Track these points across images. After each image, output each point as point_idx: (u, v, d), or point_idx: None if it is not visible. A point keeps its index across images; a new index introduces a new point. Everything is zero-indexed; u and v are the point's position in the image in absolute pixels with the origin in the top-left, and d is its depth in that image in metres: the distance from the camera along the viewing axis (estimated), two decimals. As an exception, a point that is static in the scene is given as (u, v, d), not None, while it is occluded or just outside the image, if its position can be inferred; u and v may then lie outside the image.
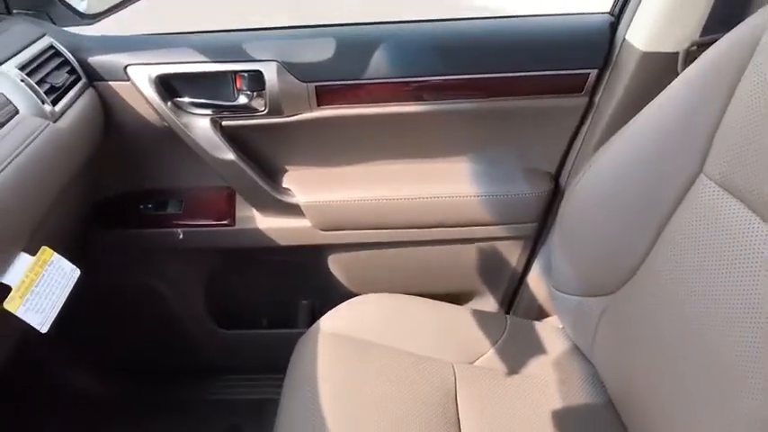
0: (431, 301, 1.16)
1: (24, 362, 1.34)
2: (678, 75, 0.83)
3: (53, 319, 0.74)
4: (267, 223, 1.15)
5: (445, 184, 1.12)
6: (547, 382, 1.05)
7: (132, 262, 1.22)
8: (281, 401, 1.01)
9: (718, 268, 0.76)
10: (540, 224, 1.16)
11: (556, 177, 1.13)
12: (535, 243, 1.19)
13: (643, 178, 0.88)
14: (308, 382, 1.00)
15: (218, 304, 1.37)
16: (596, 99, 0.99)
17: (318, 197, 1.12)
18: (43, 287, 0.74)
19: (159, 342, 1.41)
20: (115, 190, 1.14)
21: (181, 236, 1.13)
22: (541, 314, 1.23)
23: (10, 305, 0.69)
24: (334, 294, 1.32)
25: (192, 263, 1.24)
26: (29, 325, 0.71)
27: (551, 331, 1.15)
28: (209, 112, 1.01)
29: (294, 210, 1.13)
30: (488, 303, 1.32)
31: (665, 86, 0.83)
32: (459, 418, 0.98)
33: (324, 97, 0.99)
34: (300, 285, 1.36)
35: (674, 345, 0.82)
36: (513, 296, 1.26)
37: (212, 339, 1.40)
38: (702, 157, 0.81)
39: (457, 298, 1.34)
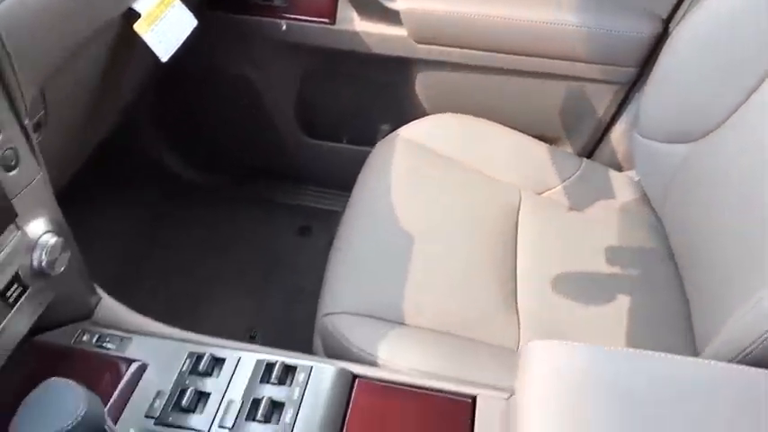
0: (511, 129, 1.18)
1: (126, 143, 1.48)
2: None
3: (172, 52, 0.81)
4: (365, 27, 1.18)
5: (549, 9, 1.09)
6: (609, 225, 1.08)
7: (234, 49, 1.28)
8: (353, 192, 1.09)
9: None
10: (639, 70, 1.12)
11: (667, 22, 1.08)
12: (630, 90, 1.16)
13: (747, 31, 0.84)
14: (381, 179, 1.07)
15: (305, 111, 1.44)
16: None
17: (419, 4, 1.12)
18: (166, 23, 0.81)
19: (247, 137, 1.51)
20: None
21: (284, 27, 1.17)
22: (620, 168, 1.23)
23: (139, 28, 0.76)
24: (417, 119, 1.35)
25: (289, 58, 1.29)
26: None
27: (625, 181, 1.16)
28: None
29: (393, 16, 1.14)
30: (567, 149, 1.32)
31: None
32: (516, 239, 1.04)
33: None
34: (386, 106, 1.40)
35: (744, 202, 0.83)
36: (596, 144, 1.25)
37: (296, 144, 1.48)
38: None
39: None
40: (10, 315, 0.57)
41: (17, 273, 0.57)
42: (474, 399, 0.66)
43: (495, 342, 0.87)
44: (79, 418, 0.46)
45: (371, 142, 1.47)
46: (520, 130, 1.19)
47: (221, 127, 1.52)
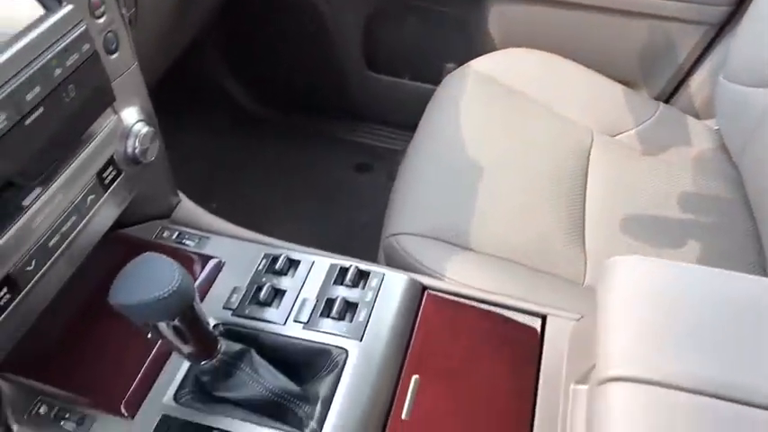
0: (587, 68, 1.14)
1: (194, 72, 1.50)
2: None
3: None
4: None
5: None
6: (684, 172, 1.04)
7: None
8: (422, 120, 1.08)
9: None
10: (731, 10, 1.06)
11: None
12: (719, 32, 1.10)
13: None
14: (452, 109, 1.05)
15: (371, 44, 1.42)
16: None
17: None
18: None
19: (310, 69, 1.51)
20: None
21: None
22: (698, 116, 1.18)
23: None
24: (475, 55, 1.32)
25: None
26: None
27: (703, 129, 1.11)
28: None
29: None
30: (644, 92, 1.27)
31: None
32: (586, 179, 1.01)
33: None
34: (454, 42, 1.37)
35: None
36: (675, 89, 1.20)
37: (359, 77, 1.48)
38: None
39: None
40: (104, 197, 0.59)
41: (112, 156, 0.59)
42: (544, 318, 0.66)
43: (541, 266, 0.86)
44: (174, 288, 0.48)
45: (435, 80, 1.46)
46: (595, 70, 1.15)
47: (285, 57, 1.52)
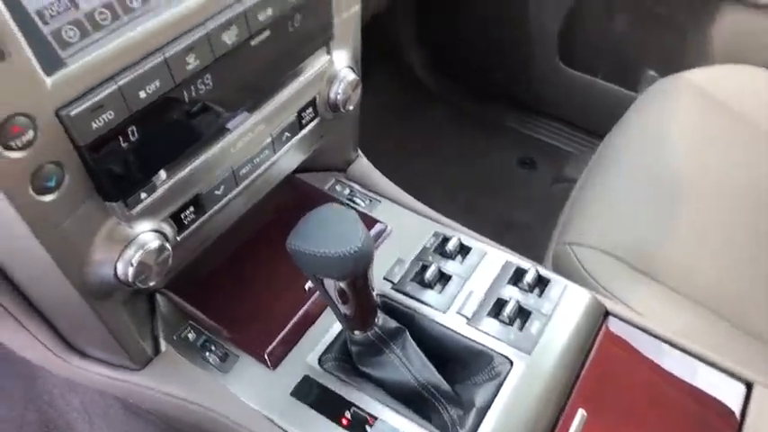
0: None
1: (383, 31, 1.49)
2: None
3: None
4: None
5: None
6: None
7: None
8: (617, 126, 0.97)
9: None
10: None
11: None
12: None
13: None
14: (656, 121, 0.94)
15: (568, 41, 1.32)
16: None
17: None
18: None
19: (499, 53, 1.44)
20: None
21: None
22: None
23: None
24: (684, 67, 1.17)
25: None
26: None
27: None
28: None
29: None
30: None
31: None
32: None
33: None
34: (659, 50, 1.23)
35: None
36: None
37: (549, 69, 1.38)
38: None
39: None
40: (299, 136, 0.57)
41: (315, 98, 0.56)
42: (749, 385, 0.55)
43: (747, 325, 0.73)
44: (356, 250, 0.44)
45: (629, 85, 1.33)
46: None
47: (476, 37, 1.45)
